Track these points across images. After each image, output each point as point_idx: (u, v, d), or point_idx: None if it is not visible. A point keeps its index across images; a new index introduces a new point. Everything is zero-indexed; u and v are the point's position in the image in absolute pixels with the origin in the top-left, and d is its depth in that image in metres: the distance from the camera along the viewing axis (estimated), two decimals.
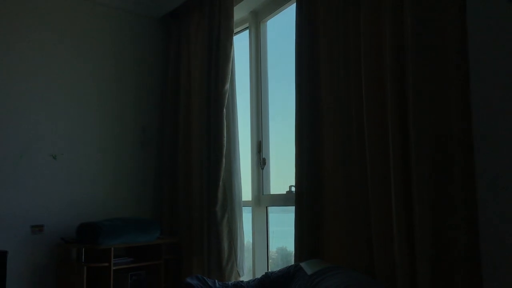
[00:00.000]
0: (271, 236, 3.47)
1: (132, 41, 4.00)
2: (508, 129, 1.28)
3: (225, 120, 3.33)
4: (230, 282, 2.76)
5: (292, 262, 2.78)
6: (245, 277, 3.23)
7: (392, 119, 2.13)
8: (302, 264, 2.50)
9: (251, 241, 3.44)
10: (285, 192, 3.15)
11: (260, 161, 3.43)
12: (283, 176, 3.34)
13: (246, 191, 3.43)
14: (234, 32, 3.48)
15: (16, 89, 3.35)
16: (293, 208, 2.79)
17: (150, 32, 4.13)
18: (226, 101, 3.35)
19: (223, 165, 3.30)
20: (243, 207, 3.36)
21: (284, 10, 3.41)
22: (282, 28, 3.53)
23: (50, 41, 3.54)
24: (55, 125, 3.49)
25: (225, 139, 3.32)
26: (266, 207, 3.45)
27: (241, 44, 3.73)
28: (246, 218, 3.38)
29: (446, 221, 1.88)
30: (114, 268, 3.15)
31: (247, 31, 3.66)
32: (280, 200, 3.26)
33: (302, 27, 2.81)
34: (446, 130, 1.91)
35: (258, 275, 2.89)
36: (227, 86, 3.36)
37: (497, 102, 1.32)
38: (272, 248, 3.53)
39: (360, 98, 2.37)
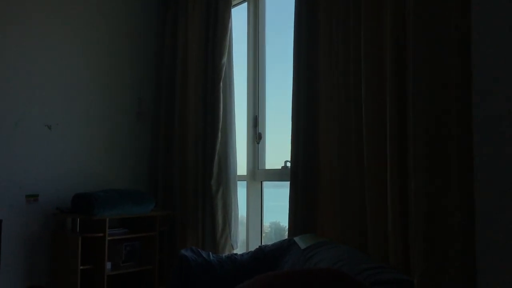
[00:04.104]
0: (265, 210, 3.49)
1: (128, 12, 3.94)
2: (508, 106, 1.28)
3: (221, 94, 3.32)
4: (224, 255, 2.79)
5: (285, 237, 2.81)
6: (239, 250, 3.26)
7: (390, 95, 2.13)
8: (296, 239, 2.52)
9: (245, 215, 3.46)
10: (280, 167, 3.16)
11: (256, 136, 3.43)
12: (278, 151, 3.35)
13: (241, 166, 3.44)
14: (233, 4, 3.44)
15: (12, 59, 3.30)
16: (287, 183, 2.80)
17: (147, 2, 4.06)
18: (223, 74, 3.32)
19: (219, 138, 3.30)
20: (238, 182, 3.37)
21: None
22: (281, 1, 3.47)
23: (46, 12, 3.47)
24: (50, 95, 3.46)
25: (221, 112, 3.30)
26: (261, 181, 3.47)
27: (239, 16, 3.68)
28: (241, 193, 3.40)
29: (441, 199, 1.89)
30: (109, 238, 3.18)
31: (246, 3, 3.61)
32: (275, 175, 3.27)
33: (302, 0, 2.77)
34: (444, 107, 1.90)
35: (252, 248, 2.93)
36: (224, 59, 3.33)
37: (498, 82, 1.31)
38: (266, 223, 3.56)
39: (359, 74, 2.36)
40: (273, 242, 2.70)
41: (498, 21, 1.31)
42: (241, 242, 3.39)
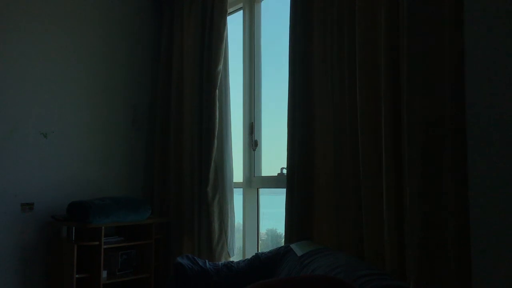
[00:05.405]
0: (261, 217, 3.49)
1: (124, 19, 3.94)
2: (500, 112, 1.29)
3: (217, 101, 3.32)
4: (220, 262, 2.78)
5: (282, 244, 2.81)
6: (235, 257, 3.25)
7: (385, 102, 2.14)
8: (292, 246, 2.52)
9: (242, 222, 3.46)
10: (276, 174, 3.16)
11: (252, 143, 3.43)
12: (274, 158, 3.35)
13: (237, 173, 3.44)
14: (228, 12, 3.45)
15: (7, 66, 3.30)
16: (283, 190, 2.80)
17: (143, 11, 4.07)
18: (218, 82, 3.33)
19: (215, 146, 3.30)
20: (234, 189, 3.37)
21: None
22: (276, 9, 3.49)
23: (41, 18, 3.47)
24: (45, 103, 3.45)
25: (217, 120, 3.31)
26: (257, 188, 3.46)
27: (234, 24, 3.70)
28: (237, 200, 3.39)
29: (436, 205, 1.89)
30: (104, 246, 3.16)
31: (241, 11, 3.62)
32: (271, 182, 3.27)
33: (297, 8, 2.78)
34: (438, 113, 1.91)
35: (248, 255, 2.92)
36: (220, 67, 3.34)
37: (491, 85, 1.32)
38: (262, 230, 3.55)
39: (354, 80, 2.36)
40: (270, 249, 2.69)
41: (491, 23, 1.32)
42: (237, 250, 3.38)
